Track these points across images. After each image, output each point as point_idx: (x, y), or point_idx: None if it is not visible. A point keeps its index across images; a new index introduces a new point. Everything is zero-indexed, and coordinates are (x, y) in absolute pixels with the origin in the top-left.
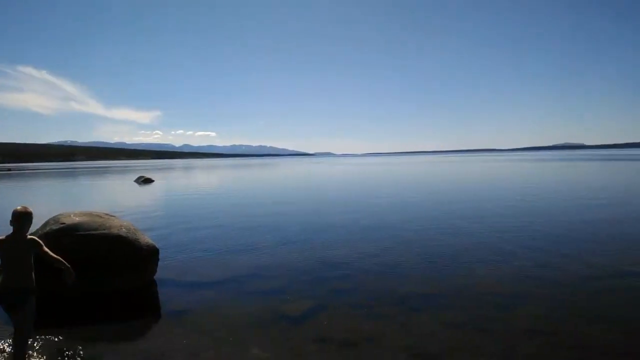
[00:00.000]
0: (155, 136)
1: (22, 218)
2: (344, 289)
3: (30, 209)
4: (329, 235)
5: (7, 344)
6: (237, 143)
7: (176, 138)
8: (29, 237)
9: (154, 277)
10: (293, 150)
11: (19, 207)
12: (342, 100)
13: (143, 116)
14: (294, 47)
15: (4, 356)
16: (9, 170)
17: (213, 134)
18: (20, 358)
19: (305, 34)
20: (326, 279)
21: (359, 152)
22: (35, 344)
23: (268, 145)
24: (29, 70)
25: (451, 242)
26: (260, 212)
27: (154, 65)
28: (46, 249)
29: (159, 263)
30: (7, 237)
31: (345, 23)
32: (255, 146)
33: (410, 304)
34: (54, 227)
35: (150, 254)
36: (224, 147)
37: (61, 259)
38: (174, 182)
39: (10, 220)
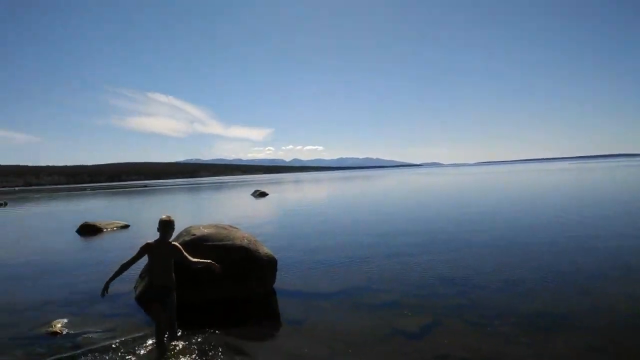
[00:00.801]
0: (268, 152)
1: (166, 226)
2: (461, 305)
3: (173, 218)
4: (443, 250)
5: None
6: (343, 156)
7: (286, 153)
8: (172, 243)
9: (273, 286)
10: (399, 162)
11: (163, 217)
12: (449, 107)
13: (256, 134)
14: (397, 55)
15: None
16: (145, 186)
17: (320, 147)
18: (172, 333)
19: (404, 39)
20: (442, 294)
21: (470, 162)
22: (174, 342)
23: (374, 157)
24: (157, 96)
25: (582, 258)
26: (369, 224)
27: (266, 86)
28: (186, 254)
29: (277, 273)
30: (155, 241)
31: (453, 27)
32: (362, 158)
33: (536, 323)
34: (187, 238)
35: (269, 264)
36: (331, 160)
37: (199, 260)
38: (286, 195)
39: (157, 228)
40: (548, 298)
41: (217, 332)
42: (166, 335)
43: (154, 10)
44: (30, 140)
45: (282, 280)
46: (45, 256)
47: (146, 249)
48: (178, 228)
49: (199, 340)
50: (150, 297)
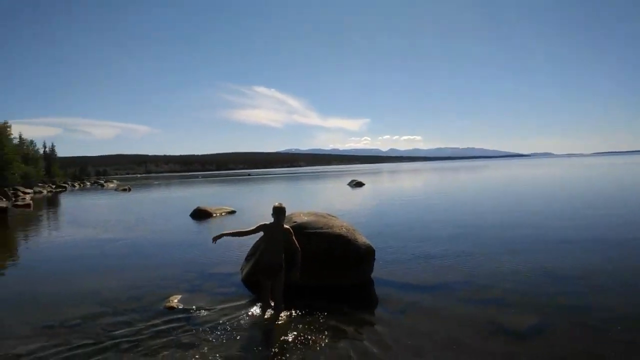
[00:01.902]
0: (364, 142)
1: (279, 211)
2: (574, 307)
3: (284, 205)
4: (553, 246)
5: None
6: (442, 146)
7: (383, 143)
8: (285, 226)
9: (371, 275)
10: (505, 152)
11: (276, 204)
12: (562, 90)
13: (353, 124)
14: (499, 41)
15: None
16: (249, 175)
17: (418, 137)
18: (278, 310)
19: (507, 23)
20: (552, 293)
21: (586, 152)
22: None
23: (476, 147)
24: (262, 89)
25: None
26: (469, 216)
27: (363, 77)
28: (294, 239)
29: (375, 263)
30: (270, 224)
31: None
32: (462, 148)
33: None
34: (288, 225)
35: (367, 253)
36: (429, 150)
37: (299, 252)
38: (383, 186)
39: (272, 213)
40: None
41: (317, 314)
42: (272, 311)
43: (257, 12)
44: (150, 132)
45: (380, 270)
46: (164, 237)
47: (262, 227)
48: None
49: (301, 319)
50: (261, 274)
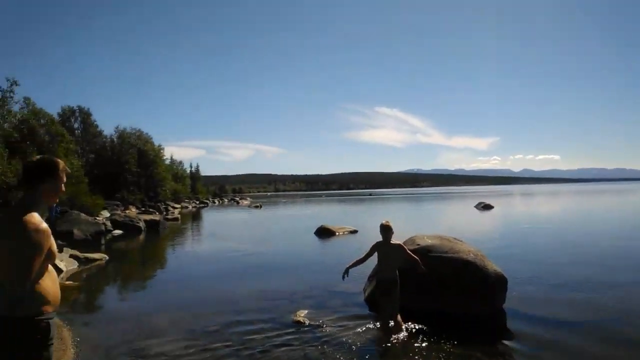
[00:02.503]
0: (493, 162)
1: (386, 229)
2: None
3: (391, 224)
4: None
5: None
6: (585, 166)
7: (515, 163)
8: (395, 242)
9: (503, 306)
10: None
11: (384, 222)
12: None
13: (480, 143)
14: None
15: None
16: (370, 195)
17: (557, 157)
18: (396, 323)
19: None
20: None
21: None
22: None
23: (628, 168)
24: (384, 110)
25: None
26: (619, 247)
27: (491, 93)
28: (408, 251)
29: (507, 293)
30: (380, 242)
31: None
32: (611, 169)
33: None
34: (411, 247)
35: (498, 282)
36: (570, 171)
37: (417, 258)
38: (514, 210)
39: (380, 231)
40: None
41: (443, 341)
42: (391, 330)
43: (378, 34)
44: (279, 152)
45: (513, 301)
46: (292, 253)
47: (374, 247)
48: (401, 237)
49: (424, 344)
50: (377, 290)
